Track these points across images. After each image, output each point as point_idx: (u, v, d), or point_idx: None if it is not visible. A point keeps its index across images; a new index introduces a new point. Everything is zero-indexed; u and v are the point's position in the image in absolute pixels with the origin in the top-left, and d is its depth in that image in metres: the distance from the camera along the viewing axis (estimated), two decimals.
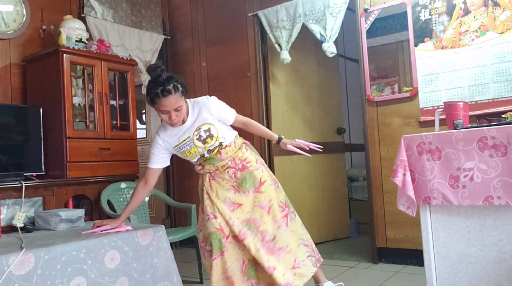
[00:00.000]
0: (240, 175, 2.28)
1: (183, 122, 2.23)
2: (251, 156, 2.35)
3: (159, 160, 2.32)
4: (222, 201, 2.25)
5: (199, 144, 2.25)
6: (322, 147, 2.42)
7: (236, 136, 2.36)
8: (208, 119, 2.24)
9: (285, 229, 2.26)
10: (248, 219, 2.23)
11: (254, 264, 2.22)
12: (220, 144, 2.27)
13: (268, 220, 2.24)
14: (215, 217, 2.23)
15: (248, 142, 2.44)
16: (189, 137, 2.24)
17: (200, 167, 2.35)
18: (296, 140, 2.40)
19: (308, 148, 2.40)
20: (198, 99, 2.30)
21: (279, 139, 2.42)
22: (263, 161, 2.43)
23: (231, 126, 2.38)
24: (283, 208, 2.31)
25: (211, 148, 2.27)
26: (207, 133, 2.24)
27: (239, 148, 2.33)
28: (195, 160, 2.33)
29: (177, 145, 2.28)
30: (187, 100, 2.26)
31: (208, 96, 2.31)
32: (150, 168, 2.32)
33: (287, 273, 2.19)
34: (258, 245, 2.18)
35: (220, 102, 2.31)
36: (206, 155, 2.29)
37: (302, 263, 2.27)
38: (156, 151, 2.30)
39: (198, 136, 2.24)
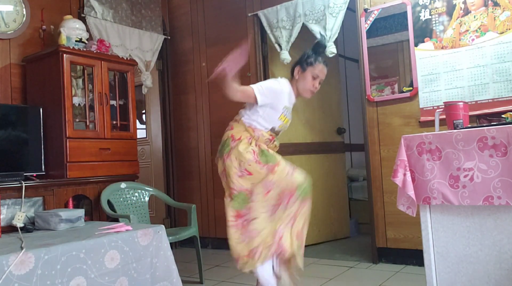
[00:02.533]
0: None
1: (294, 96, 2.54)
2: None
3: (265, 98, 2.39)
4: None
5: (287, 118, 2.55)
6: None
7: None
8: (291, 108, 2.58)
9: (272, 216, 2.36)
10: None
11: None
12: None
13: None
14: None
15: None
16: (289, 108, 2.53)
17: (270, 137, 2.48)
18: None
19: None
20: None
21: None
22: None
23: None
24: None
25: (281, 129, 2.54)
26: (289, 115, 2.56)
27: None
28: (277, 126, 2.49)
29: (285, 106, 2.48)
30: None
31: None
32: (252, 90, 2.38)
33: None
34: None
35: None
36: (277, 130, 2.52)
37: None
38: (274, 90, 2.43)
39: (287, 112, 2.53)
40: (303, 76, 2.49)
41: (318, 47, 2.53)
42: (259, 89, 2.38)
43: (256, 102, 2.37)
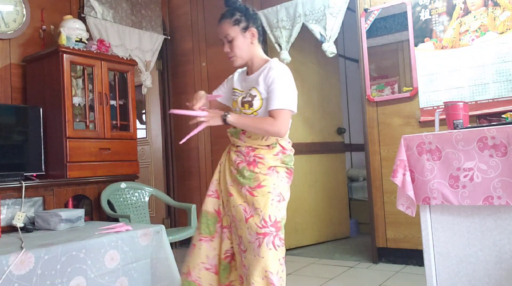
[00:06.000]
0: (241, 167, 1.89)
1: (249, 73, 2.00)
2: (274, 163, 1.94)
3: (220, 89, 2.11)
4: (227, 183, 1.93)
5: (239, 103, 1.95)
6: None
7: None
8: (259, 86, 1.91)
9: (254, 249, 1.77)
10: (233, 215, 1.89)
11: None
12: None
13: (244, 227, 1.82)
14: (218, 197, 1.97)
15: (288, 151, 2.06)
16: (242, 91, 1.99)
17: (231, 137, 2.02)
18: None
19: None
20: (274, 60, 1.97)
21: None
22: (287, 187, 2.01)
23: None
24: (266, 226, 1.78)
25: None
26: (249, 99, 1.91)
27: (266, 146, 1.94)
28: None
29: (235, 89, 2.04)
30: (270, 59, 1.98)
31: (278, 61, 1.96)
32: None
33: None
34: (236, 248, 1.90)
35: (282, 77, 1.89)
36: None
37: None
38: (225, 82, 2.11)
39: (244, 95, 1.96)
40: None
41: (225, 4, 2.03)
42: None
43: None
